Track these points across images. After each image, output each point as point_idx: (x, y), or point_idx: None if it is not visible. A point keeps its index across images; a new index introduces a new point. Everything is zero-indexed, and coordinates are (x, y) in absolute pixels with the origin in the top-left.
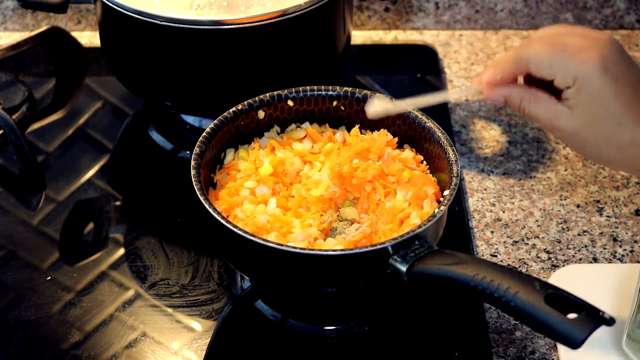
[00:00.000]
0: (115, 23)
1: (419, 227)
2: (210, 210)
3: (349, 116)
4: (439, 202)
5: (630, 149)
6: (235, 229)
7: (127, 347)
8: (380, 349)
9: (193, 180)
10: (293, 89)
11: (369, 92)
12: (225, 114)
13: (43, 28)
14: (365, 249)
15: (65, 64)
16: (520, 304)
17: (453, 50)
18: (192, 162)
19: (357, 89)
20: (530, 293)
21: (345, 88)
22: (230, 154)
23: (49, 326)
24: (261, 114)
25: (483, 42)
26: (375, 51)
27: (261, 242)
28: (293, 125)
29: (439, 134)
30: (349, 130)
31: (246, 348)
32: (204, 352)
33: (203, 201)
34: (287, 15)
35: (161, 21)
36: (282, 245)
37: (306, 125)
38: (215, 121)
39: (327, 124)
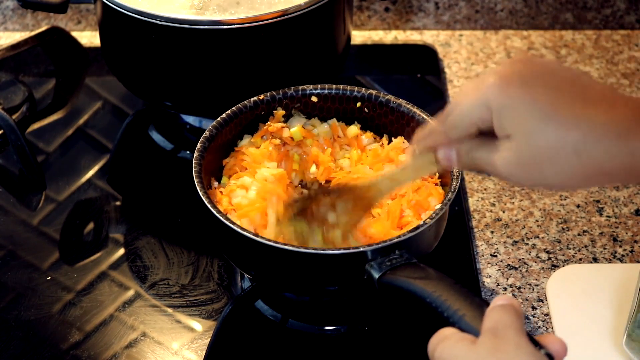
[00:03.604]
0: (115, 23)
1: (398, 237)
2: (212, 209)
3: (372, 119)
4: None
5: (580, 151)
6: (237, 228)
7: (127, 347)
8: (380, 349)
9: (195, 178)
10: (319, 85)
11: (392, 97)
12: (245, 102)
13: (43, 28)
14: (344, 251)
15: (65, 64)
16: (464, 327)
17: (453, 50)
18: (196, 154)
19: (382, 93)
20: (474, 318)
21: (370, 90)
22: (246, 139)
23: (49, 326)
24: (280, 112)
25: (483, 42)
26: (375, 51)
27: (263, 241)
28: (317, 120)
29: None
30: (374, 133)
31: (246, 348)
32: (204, 352)
33: (204, 200)
34: (287, 15)
35: (161, 21)
36: (282, 244)
37: (333, 120)
38: (228, 112)
39: (355, 123)
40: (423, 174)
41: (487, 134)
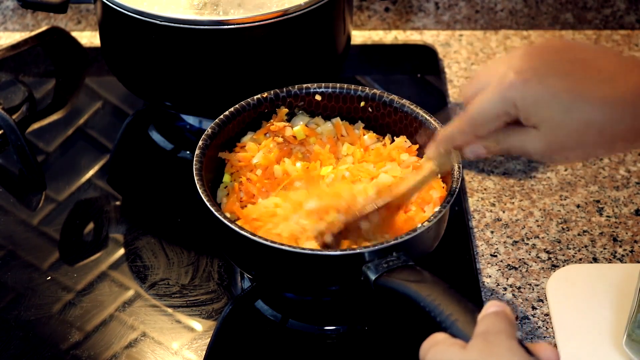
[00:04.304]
0: (115, 23)
1: (396, 239)
2: (211, 208)
3: (375, 118)
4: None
5: (604, 129)
6: (236, 228)
7: (127, 347)
8: (380, 349)
9: (195, 176)
10: (322, 84)
11: (396, 97)
12: (248, 100)
13: (43, 28)
14: (341, 252)
15: (65, 64)
16: (455, 332)
17: (453, 50)
18: (197, 151)
19: (385, 93)
20: (467, 324)
21: (374, 90)
22: (247, 137)
23: (49, 326)
24: (283, 111)
25: (483, 42)
26: (375, 51)
27: (262, 241)
28: (321, 119)
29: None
30: (377, 132)
31: (246, 348)
32: (204, 352)
33: (204, 198)
34: (287, 15)
35: (161, 21)
36: (281, 244)
37: (337, 119)
38: (231, 109)
39: (359, 122)
40: (446, 169)
41: (511, 123)
